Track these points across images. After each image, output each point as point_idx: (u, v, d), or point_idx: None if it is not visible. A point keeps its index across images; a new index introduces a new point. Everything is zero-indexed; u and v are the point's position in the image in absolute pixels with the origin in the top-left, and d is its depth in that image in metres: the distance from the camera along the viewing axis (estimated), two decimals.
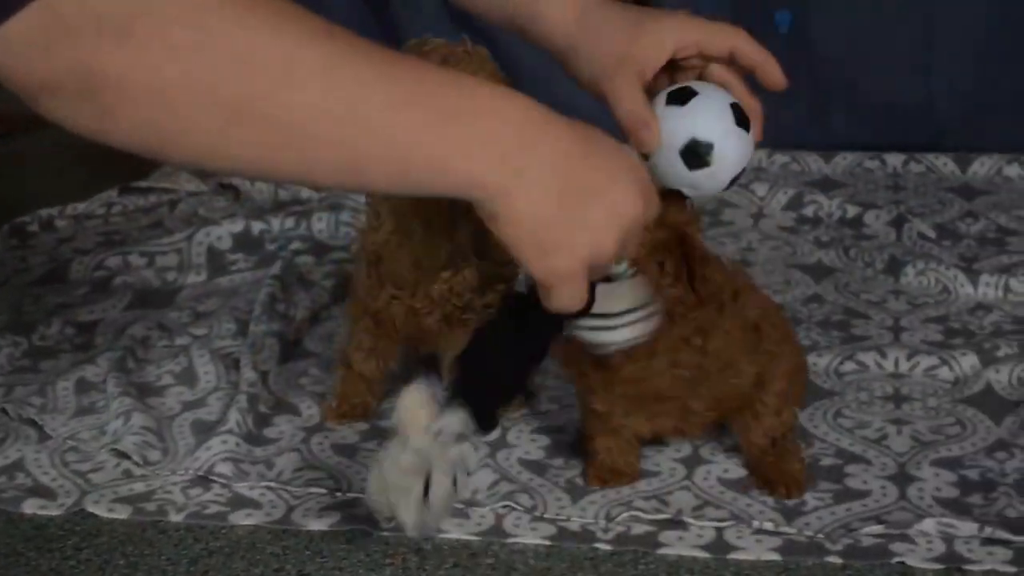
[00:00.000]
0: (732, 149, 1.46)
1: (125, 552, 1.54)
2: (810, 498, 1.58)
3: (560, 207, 1.27)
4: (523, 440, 1.72)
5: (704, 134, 1.45)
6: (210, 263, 2.21)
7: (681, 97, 1.47)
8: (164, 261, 2.21)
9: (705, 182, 1.47)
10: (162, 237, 2.27)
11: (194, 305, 2.08)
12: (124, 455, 1.70)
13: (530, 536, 1.54)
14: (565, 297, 1.32)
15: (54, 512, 1.61)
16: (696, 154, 1.45)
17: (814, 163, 2.56)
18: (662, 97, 1.49)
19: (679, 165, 1.46)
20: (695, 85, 1.50)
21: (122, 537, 1.57)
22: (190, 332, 2.00)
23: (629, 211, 1.30)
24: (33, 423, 1.77)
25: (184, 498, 1.63)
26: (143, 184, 2.50)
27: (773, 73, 1.52)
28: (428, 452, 1.37)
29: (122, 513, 1.60)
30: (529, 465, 1.67)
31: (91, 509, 1.61)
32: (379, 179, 1.23)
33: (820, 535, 1.52)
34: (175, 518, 1.60)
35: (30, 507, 1.62)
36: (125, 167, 2.58)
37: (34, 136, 2.66)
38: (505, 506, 1.59)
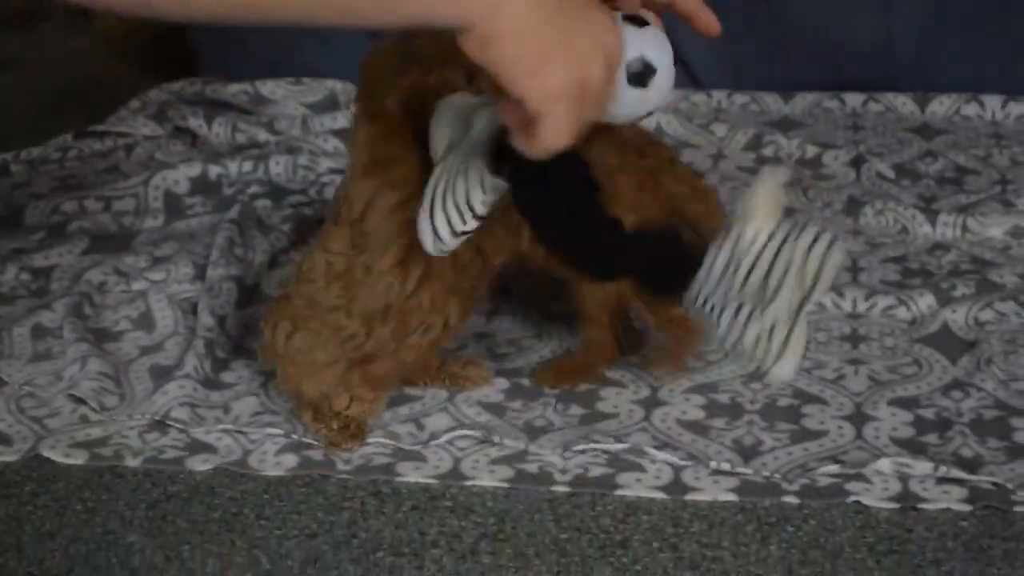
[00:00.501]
0: (665, 83, 1.46)
1: (83, 497, 1.54)
2: (767, 438, 1.59)
3: (550, 21, 1.26)
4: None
5: (653, 58, 1.44)
6: (167, 207, 2.20)
7: (636, 20, 1.47)
8: (121, 205, 2.20)
9: (632, 103, 1.46)
10: (119, 181, 2.25)
11: (151, 250, 2.06)
12: (81, 400, 1.69)
13: (488, 479, 1.55)
14: (558, 125, 1.28)
15: (10, 458, 1.61)
16: (639, 73, 1.44)
17: (773, 103, 2.55)
18: (618, 16, 1.49)
19: (621, 76, 1.45)
20: (646, 15, 1.50)
21: (79, 482, 1.57)
22: (147, 277, 1.98)
23: (611, 49, 1.31)
24: None
25: (141, 443, 1.63)
26: (99, 128, 2.47)
27: (709, 21, 1.52)
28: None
29: (79, 458, 1.60)
30: (488, 408, 1.67)
31: (47, 454, 1.61)
32: (368, 11, 1.25)
33: (777, 475, 1.53)
34: (132, 463, 1.59)
35: None
36: (80, 111, 2.56)
37: None
38: (462, 448, 1.59)
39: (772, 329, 1.43)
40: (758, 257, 1.43)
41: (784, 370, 1.43)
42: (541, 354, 1.77)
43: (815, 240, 1.43)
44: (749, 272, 1.43)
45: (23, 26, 3.17)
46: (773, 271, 1.43)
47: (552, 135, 1.30)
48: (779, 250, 1.43)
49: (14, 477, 1.58)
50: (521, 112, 1.29)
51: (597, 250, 1.52)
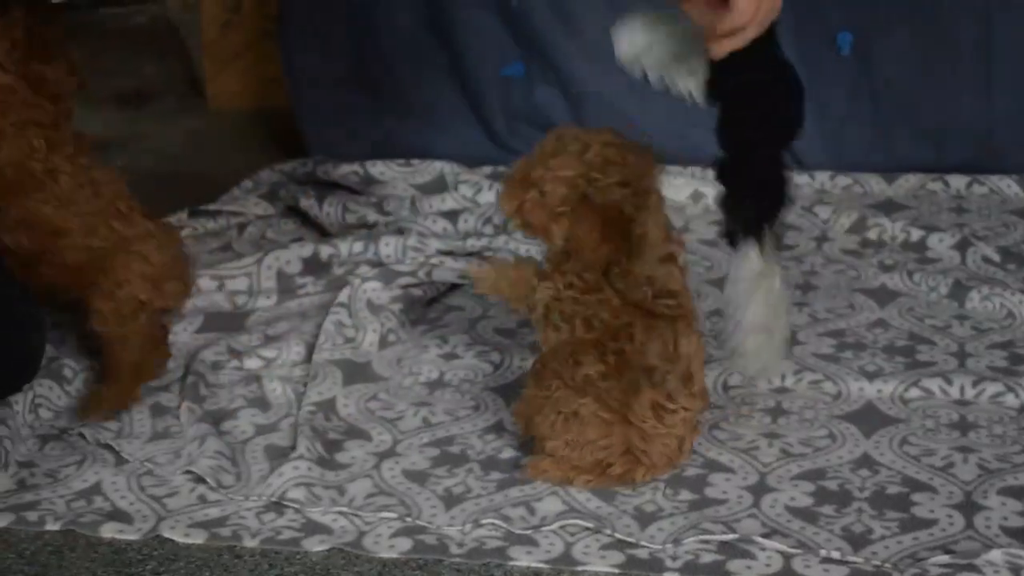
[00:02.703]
0: None
1: None
2: (877, 527, 1.60)
3: None
4: None
5: None
6: (280, 286, 2.24)
7: None
8: (234, 285, 2.24)
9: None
10: (231, 260, 2.30)
11: (264, 329, 2.11)
12: (200, 479, 1.73)
13: (599, 564, 1.56)
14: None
15: (132, 536, 1.65)
16: None
17: (876, 185, 2.57)
18: None
19: None
20: None
21: (199, 562, 1.60)
22: (260, 355, 2.03)
23: None
24: (110, 447, 1.81)
25: (258, 523, 1.66)
26: (211, 207, 2.53)
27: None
28: None
29: (198, 538, 1.64)
30: (597, 492, 1.69)
31: (167, 534, 1.65)
32: None
33: (888, 565, 1.53)
34: (250, 543, 1.63)
35: (108, 531, 1.66)
36: (192, 190, 2.62)
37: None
38: (573, 533, 1.61)
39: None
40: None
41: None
42: None
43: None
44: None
45: (136, 104, 3.26)
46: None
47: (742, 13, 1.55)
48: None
49: (136, 556, 1.62)
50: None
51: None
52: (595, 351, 1.67)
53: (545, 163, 1.71)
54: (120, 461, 1.79)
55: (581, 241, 1.71)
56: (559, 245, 1.73)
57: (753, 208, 1.76)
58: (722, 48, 1.66)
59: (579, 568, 1.56)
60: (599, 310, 1.69)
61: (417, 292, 2.18)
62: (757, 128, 1.73)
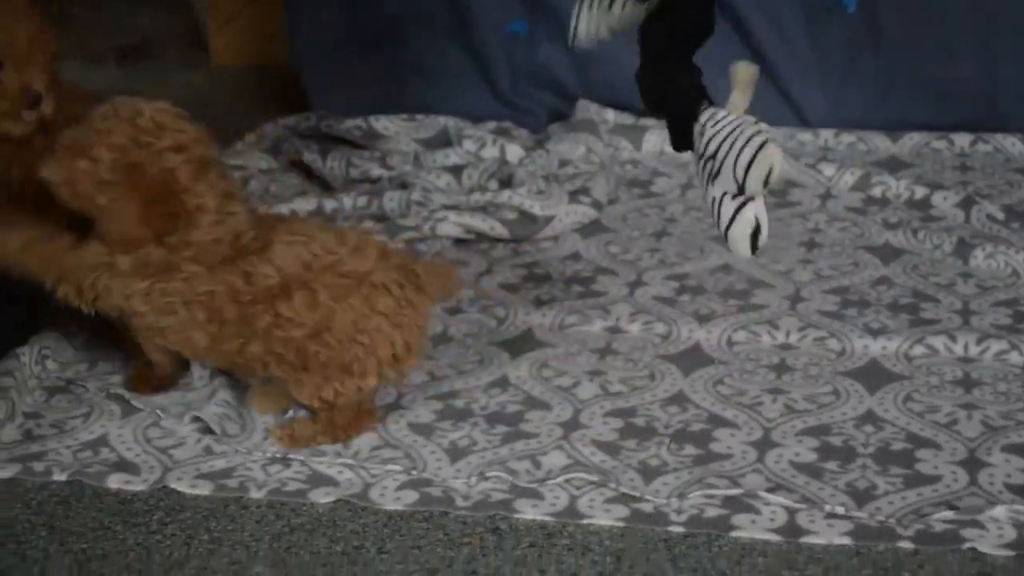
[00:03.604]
0: None
1: (209, 528, 1.58)
2: (881, 483, 1.60)
3: None
4: (595, 422, 1.75)
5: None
6: None
7: None
8: None
9: None
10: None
11: None
12: (206, 430, 1.73)
13: (604, 517, 1.57)
14: None
15: (138, 487, 1.65)
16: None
17: (881, 142, 2.56)
18: None
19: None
20: None
21: (205, 512, 1.61)
22: None
23: None
24: (118, 398, 1.81)
25: (264, 475, 1.67)
26: None
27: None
28: None
29: (204, 489, 1.64)
30: (601, 447, 1.69)
31: (174, 485, 1.65)
32: None
33: (891, 520, 1.54)
34: (256, 494, 1.63)
35: (115, 482, 1.66)
36: None
37: None
38: (578, 486, 1.62)
39: (717, 202, 1.64)
40: (714, 136, 1.62)
41: (736, 245, 1.65)
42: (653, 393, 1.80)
43: (759, 139, 1.59)
44: (706, 144, 1.63)
45: (138, 59, 3.25)
46: (719, 152, 1.61)
47: None
48: (731, 134, 1.61)
49: (142, 506, 1.62)
50: None
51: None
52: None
53: (95, 130, 1.65)
54: (127, 413, 1.79)
55: (129, 214, 1.65)
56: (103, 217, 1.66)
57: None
58: None
59: (584, 521, 1.57)
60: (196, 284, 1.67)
61: (422, 246, 2.18)
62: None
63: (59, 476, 1.67)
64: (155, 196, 1.64)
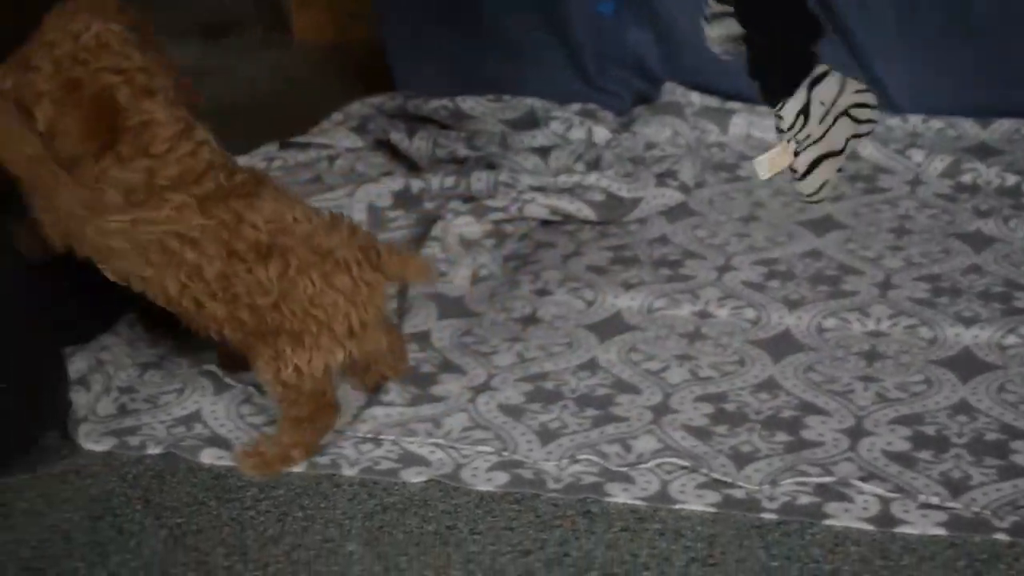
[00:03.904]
0: None
1: (302, 504, 1.60)
2: (976, 473, 1.59)
3: None
4: (686, 406, 1.74)
5: None
6: (370, 219, 2.25)
7: None
8: None
9: None
10: (323, 192, 2.31)
11: None
12: None
13: (696, 503, 1.57)
14: None
15: (232, 463, 1.67)
16: None
17: (970, 128, 2.53)
18: None
19: None
20: None
21: (298, 489, 1.62)
22: None
23: None
24: (210, 374, 1.83)
25: (356, 453, 1.68)
26: (302, 139, 2.54)
27: None
28: None
29: (299, 466, 1.66)
30: (692, 431, 1.69)
31: None
32: None
33: (987, 511, 1.53)
34: (348, 472, 1.64)
35: (208, 456, 1.68)
36: (278, 122, 2.63)
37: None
38: (669, 471, 1.61)
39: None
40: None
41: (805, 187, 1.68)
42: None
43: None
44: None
45: (221, 36, 3.27)
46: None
47: None
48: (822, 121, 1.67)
49: (236, 482, 1.64)
50: None
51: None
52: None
53: (40, 42, 1.65)
54: (220, 389, 1.81)
55: (68, 126, 1.64)
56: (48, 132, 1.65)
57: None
58: None
59: (676, 506, 1.57)
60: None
61: (509, 227, 2.18)
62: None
63: (154, 450, 1.69)
64: (93, 111, 1.63)
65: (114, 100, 1.64)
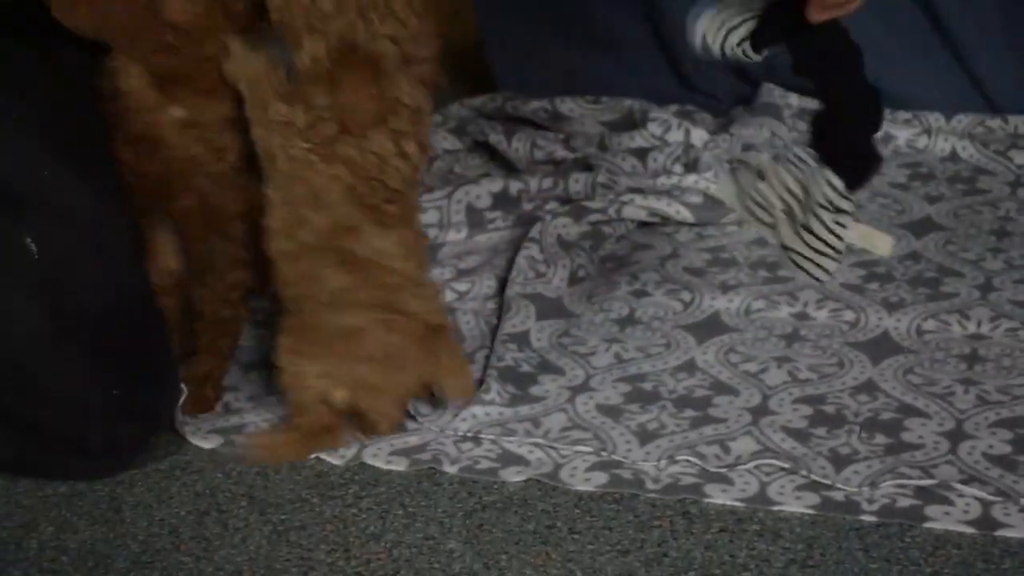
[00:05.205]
0: None
1: (403, 502, 1.62)
2: None
3: None
4: (784, 408, 1.75)
5: None
6: (470, 220, 2.27)
7: None
8: (425, 218, 2.27)
9: None
10: (423, 194, 2.33)
11: (456, 263, 2.14)
12: None
13: (794, 504, 1.57)
14: None
15: (335, 461, 1.70)
16: None
17: None
18: None
19: None
20: None
21: (399, 488, 1.65)
22: (453, 288, 2.06)
23: None
24: None
25: (456, 451, 1.70)
26: None
27: None
28: None
29: (399, 465, 1.68)
30: (791, 433, 1.70)
31: (369, 462, 1.69)
32: None
33: None
34: (449, 469, 1.67)
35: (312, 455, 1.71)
36: None
37: None
38: (768, 472, 1.62)
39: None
40: None
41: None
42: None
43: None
44: None
45: None
46: None
47: None
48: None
49: (338, 480, 1.67)
50: None
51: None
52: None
53: None
54: None
55: (347, 86, 1.65)
56: (306, 64, 1.65)
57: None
58: (824, 14, 1.64)
59: (775, 508, 1.57)
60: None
61: (607, 229, 2.19)
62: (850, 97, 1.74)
63: None
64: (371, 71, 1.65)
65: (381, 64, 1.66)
